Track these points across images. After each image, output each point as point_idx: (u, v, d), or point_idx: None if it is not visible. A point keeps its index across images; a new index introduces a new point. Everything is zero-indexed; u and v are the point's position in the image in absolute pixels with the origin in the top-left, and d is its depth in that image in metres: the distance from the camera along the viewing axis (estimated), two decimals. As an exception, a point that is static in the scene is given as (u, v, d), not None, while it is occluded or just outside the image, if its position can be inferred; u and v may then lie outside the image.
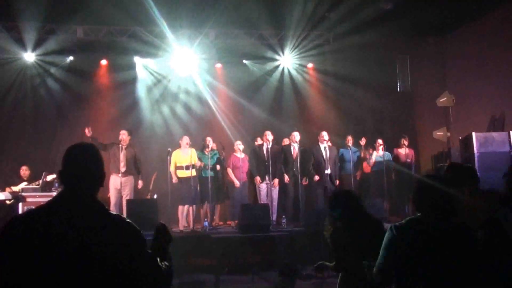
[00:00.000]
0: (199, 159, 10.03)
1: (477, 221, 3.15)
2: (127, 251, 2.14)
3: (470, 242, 2.84)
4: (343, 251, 3.90)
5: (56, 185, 9.28)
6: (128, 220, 2.24)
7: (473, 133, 8.72)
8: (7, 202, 9.14)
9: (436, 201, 2.88)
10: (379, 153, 10.54)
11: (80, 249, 2.05)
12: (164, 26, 11.01)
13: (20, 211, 8.80)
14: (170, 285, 2.38)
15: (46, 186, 9.32)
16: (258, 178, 10.06)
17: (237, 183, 10.13)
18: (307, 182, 10.24)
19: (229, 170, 10.26)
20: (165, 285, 2.33)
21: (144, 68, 12.35)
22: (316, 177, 10.12)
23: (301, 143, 10.21)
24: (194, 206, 9.94)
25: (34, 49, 11.29)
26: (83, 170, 2.24)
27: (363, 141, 10.89)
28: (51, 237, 2.05)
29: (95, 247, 2.07)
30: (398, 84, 12.96)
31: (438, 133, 10.81)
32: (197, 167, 9.93)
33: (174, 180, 9.79)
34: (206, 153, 9.95)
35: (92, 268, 2.05)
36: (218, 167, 10.24)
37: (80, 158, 2.27)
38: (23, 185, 9.40)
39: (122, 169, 9.49)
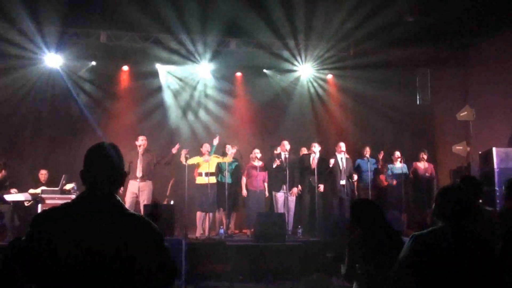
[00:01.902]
0: (219, 165, 10.10)
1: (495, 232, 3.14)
2: (146, 250, 2.16)
3: (491, 253, 2.82)
4: (357, 260, 3.89)
5: (75, 188, 9.38)
6: (147, 219, 2.27)
7: (494, 148, 8.63)
8: (26, 203, 9.26)
9: (458, 208, 2.87)
10: (396, 165, 10.46)
11: (100, 247, 2.08)
12: (185, 33, 11.15)
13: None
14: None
15: (65, 191, 9.42)
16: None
17: (244, 192, 10.26)
18: (323, 190, 10.21)
19: (243, 179, 10.28)
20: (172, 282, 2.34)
21: (165, 75, 12.44)
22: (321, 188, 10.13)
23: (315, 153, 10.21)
24: (211, 213, 9.98)
25: (56, 53, 11.42)
26: (104, 169, 2.27)
27: (381, 155, 10.82)
28: (72, 235, 2.09)
29: (115, 245, 2.10)
30: (418, 97, 12.87)
31: (457, 147, 10.71)
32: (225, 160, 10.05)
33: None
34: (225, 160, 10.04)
35: (111, 265, 2.08)
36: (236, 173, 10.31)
37: (102, 157, 2.30)
38: (41, 188, 9.50)
39: (139, 174, 9.56)
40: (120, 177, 2.34)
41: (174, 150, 9.81)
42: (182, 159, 9.79)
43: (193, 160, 9.98)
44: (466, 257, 2.74)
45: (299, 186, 10.19)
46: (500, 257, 2.94)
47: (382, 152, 10.88)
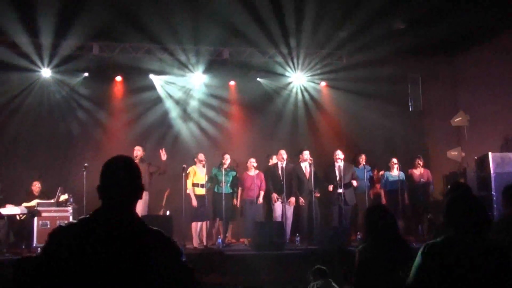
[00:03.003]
0: (215, 175, 10.08)
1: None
2: (166, 266, 2.14)
3: (506, 259, 2.82)
4: (367, 269, 3.89)
5: (71, 200, 9.31)
6: (167, 235, 2.24)
7: (489, 153, 8.72)
8: (19, 216, 9.15)
9: (470, 215, 2.85)
10: (393, 173, 10.49)
11: (119, 263, 2.05)
12: (178, 43, 11.17)
13: (36, 226, 8.83)
14: None
15: (61, 203, 9.34)
16: (275, 195, 10.05)
17: (236, 202, 10.29)
18: (319, 195, 10.22)
19: (239, 189, 10.30)
20: None
21: (159, 85, 12.40)
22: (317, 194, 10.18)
23: (314, 161, 10.21)
24: (207, 222, 9.93)
25: (49, 65, 11.36)
26: (124, 183, 2.23)
27: (375, 171, 10.86)
28: (92, 252, 2.05)
29: (136, 262, 2.07)
30: (410, 103, 12.98)
31: (452, 153, 10.80)
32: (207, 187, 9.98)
33: (194, 203, 9.81)
34: (222, 170, 10.01)
35: (130, 282, 2.05)
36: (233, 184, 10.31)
37: (120, 171, 2.25)
38: (35, 201, 9.40)
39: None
40: (138, 191, 2.29)
41: (163, 157, 9.76)
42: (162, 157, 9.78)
43: (190, 170, 9.94)
44: (482, 265, 2.72)
45: (301, 199, 10.13)
46: None
47: (375, 169, 10.95)
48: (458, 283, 2.71)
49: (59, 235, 2.15)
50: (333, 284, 5.15)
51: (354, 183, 10.23)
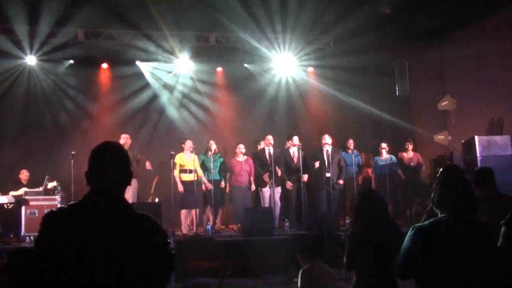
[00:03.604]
0: (203, 162, 10.06)
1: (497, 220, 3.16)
2: (154, 250, 2.16)
3: (494, 240, 2.85)
4: (358, 253, 3.92)
5: (59, 188, 9.26)
6: (154, 219, 2.25)
7: (476, 137, 8.79)
8: (7, 206, 9.08)
9: (459, 197, 2.85)
10: (382, 157, 10.54)
11: (111, 248, 2.06)
12: (164, 29, 11.07)
13: (23, 215, 8.78)
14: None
15: (49, 191, 9.28)
16: (267, 176, 10.09)
17: (227, 189, 10.29)
18: (306, 179, 10.22)
19: (227, 176, 10.28)
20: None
21: (145, 71, 12.32)
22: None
23: (302, 146, 10.23)
24: (197, 209, 9.93)
25: (35, 52, 11.23)
26: (113, 169, 2.23)
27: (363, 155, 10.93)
28: (83, 237, 2.06)
29: (126, 246, 2.08)
30: (397, 88, 13.01)
31: (439, 137, 10.86)
32: (198, 176, 9.95)
33: (180, 188, 9.79)
34: (209, 157, 9.99)
35: (121, 266, 2.06)
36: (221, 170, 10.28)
37: (109, 157, 2.25)
38: (23, 189, 9.33)
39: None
40: (127, 177, 2.29)
41: (148, 167, 9.83)
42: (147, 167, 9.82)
43: (178, 159, 9.90)
44: (470, 247, 2.74)
45: (289, 183, 10.15)
46: (505, 242, 2.97)
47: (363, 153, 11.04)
48: (445, 265, 2.73)
49: (51, 221, 2.15)
50: (323, 265, 5.15)
51: (341, 182, 10.27)
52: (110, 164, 2.24)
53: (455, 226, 2.80)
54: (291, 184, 10.13)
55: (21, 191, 9.24)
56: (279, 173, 10.12)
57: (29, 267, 2.12)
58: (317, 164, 10.12)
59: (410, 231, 2.91)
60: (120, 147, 2.33)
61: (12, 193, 9.22)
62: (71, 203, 2.25)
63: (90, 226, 2.09)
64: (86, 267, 2.03)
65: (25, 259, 2.17)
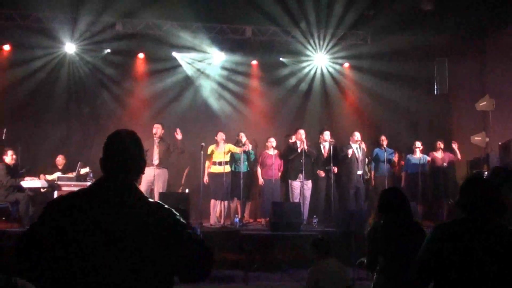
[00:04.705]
0: (233, 154, 10.07)
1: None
2: (169, 240, 2.10)
3: None
4: (377, 250, 3.85)
5: (91, 175, 9.42)
6: (167, 206, 2.21)
7: (514, 139, 8.50)
8: (42, 190, 9.28)
9: (483, 198, 2.79)
10: (416, 156, 10.34)
11: (118, 234, 2.03)
12: (200, 21, 11.14)
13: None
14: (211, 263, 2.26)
15: (81, 177, 9.46)
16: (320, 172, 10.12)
17: (261, 180, 10.17)
18: (337, 172, 10.14)
19: (258, 168, 10.25)
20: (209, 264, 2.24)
21: (181, 62, 12.40)
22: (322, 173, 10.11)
23: (334, 141, 10.13)
24: (226, 202, 9.96)
25: (74, 41, 11.45)
26: (125, 156, 2.23)
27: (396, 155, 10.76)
28: (89, 221, 2.05)
29: (135, 232, 2.05)
30: (436, 86, 12.70)
31: (476, 138, 10.54)
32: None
33: (206, 180, 9.86)
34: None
35: (130, 253, 2.03)
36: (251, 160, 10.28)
37: (121, 144, 2.25)
38: (57, 174, 9.52)
39: (155, 162, 9.56)
40: (139, 165, 2.28)
41: (178, 136, 9.75)
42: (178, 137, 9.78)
43: (209, 149, 9.96)
44: (489, 249, 2.67)
45: (322, 172, 10.14)
46: None
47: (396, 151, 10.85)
48: (464, 265, 2.68)
49: (56, 205, 2.16)
50: (336, 263, 5.00)
51: (322, 173, 10.13)
52: (120, 151, 2.24)
53: (476, 227, 2.73)
54: (323, 172, 10.07)
55: (55, 175, 9.44)
56: (322, 174, 10.11)
57: (17, 250, 2.12)
58: (350, 152, 10.00)
59: (431, 230, 2.87)
60: (132, 135, 2.32)
61: (47, 176, 9.42)
62: (80, 188, 2.26)
63: (94, 211, 2.08)
64: (89, 253, 2.01)
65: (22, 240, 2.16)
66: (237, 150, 10.00)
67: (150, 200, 2.23)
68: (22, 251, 2.11)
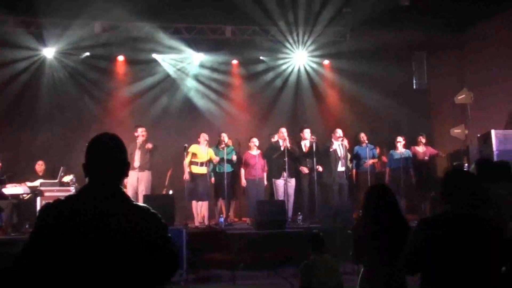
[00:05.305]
0: (215, 155, 10.07)
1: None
2: (152, 241, 2.14)
3: (500, 234, 2.80)
4: (363, 244, 3.89)
5: (74, 180, 9.34)
6: (152, 210, 2.24)
7: (492, 131, 8.62)
8: (24, 196, 9.18)
9: (466, 190, 2.85)
10: (399, 151, 10.44)
11: (104, 237, 2.06)
12: (180, 22, 11.11)
13: (39, 206, 8.87)
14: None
15: (64, 183, 9.37)
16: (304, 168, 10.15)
17: (243, 182, 10.20)
18: (322, 170, 10.19)
19: (242, 169, 10.26)
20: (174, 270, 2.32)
21: (161, 64, 12.38)
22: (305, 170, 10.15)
23: (315, 139, 10.18)
24: (207, 202, 9.95)
25: (52, 45, 11.37)
26: (107, 161, 2.24)
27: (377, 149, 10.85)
28: (79, 227, 2.06)
29: (122, 237, 2.08)
30: (414, 81, 12.84)
31: (455, 131, 10.70)
32: (214, 163, 9.98)
33: (187, 177, 9.80)
34: (221, 149, 9.99)
35: (115, 255, 2.06)
36: (234, 157, 10.24)
37: (104, 148, 2.26)
38: (39, 181, 9.43)
39: (137, 164, 9.48)
40: (123, 168, 2.30)
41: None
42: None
43: (192, 149, 9.92)
44: (473, 241, 2.72)
45: (305, 169, 10.18)
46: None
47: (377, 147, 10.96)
48: (449, 257, 2.73)
49: (47, 212, 2.17)
50: (329, 259, 5.03)
51: (305, 170, 10.21)
52: (104, 156, 2.25)
53: (459, 219, 2.78)
54: (306, 169, 10.13)
55: (37, 182, 9.35)
56: (305, 171, 10.15)
57: (21, 257, 2.13)
58: (334, 145, 10.09)
59: (416, 224, 2.92)
60: (115, 139, 2.33)
61: (28, 183, 9.33)
62: (68, 194, 2.27)
63: (84, 218, 2.09)
64: (80, 259, 2.04)
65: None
66: (216, 158, 9.99)
67: (136, 203, 2.25)
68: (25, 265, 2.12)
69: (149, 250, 2.13)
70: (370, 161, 10.33)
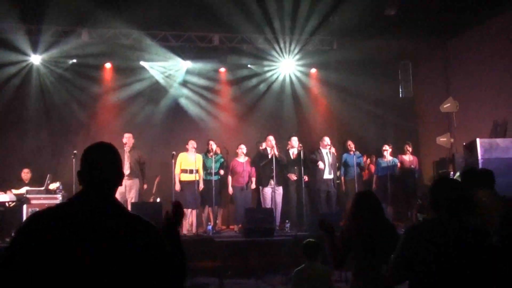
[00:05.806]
0: (204, 163, 10.06)
1: (494, 224, 3.16)
2: (146, 249, 2.12)
3: (485, 244, 2.84)
4: (348, 250, 3.91)
5: (61, 187, 9.28)
6: (146, 219, 2.23)
7: (478, 139, 8.72)
8: (9, 204, 9.09)
9: (452, 199, 2.87)
10: (386, 159, 10.54)
11: (98, 247, 2.04)
12: (168, 30, 11.12)
13: (25, 213, 8.80)
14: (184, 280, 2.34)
15: (51, 190, 9.30)
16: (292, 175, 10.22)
17: (230, 190, 10.21)
18: (308, 180, 10.25)
19: (229, 176, 10.27)
20: (179, 282, 2.30)
21: (149, 71, 12.37)
22: (293, 176, 10.22)
23: (302, 147, 10.22)
24: (196, 210, 9.94)
25: (40, 52, 11.32)
26: (103, 169, 2.22)
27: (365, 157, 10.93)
28: (69, 235, 2.04)
29: (114, 246, 2.06)
30: (401, 90, 12.96)
31: (441, 139, 10.81)
32: (199, 177, 10.00)
33: (178, 187, 9.81)
34: (210, 157, 10.00)
35: (109, 266, 2.03)
36: (222, 171, 10.26)
37: (99, 157, 2.25)
38: (25, 188, 9.36)
39: (126, 172, 9.45)
40: (119, 177, 2.30)
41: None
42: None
43: (180, 158, 9.92)
44: (460, 248, 2.74)
45: (293, 176, 10.26)
46: (498, 249, 2.95)
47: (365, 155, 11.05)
48: (436, 264, 2.74)
49: (35, 221, 2.13)
50: (320, 266, 5.05)
51: (293, 176, 10.28)
52: (99, 165, 2.23)
53: (446, 226, 2.81)
54: (294, 175, 10.18)
55: (23, 189, 9.27)
56: (294, 177, 10.20)
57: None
58: (321, 165, 10.13)
59: (405, 230, 2.95)
60: (111, 148, 2.32)
61: (14, 191, 9.25)
62: (60, 202, 2.25)
63: (75, 226, 2.07)
64: (71, 266, 2.01)
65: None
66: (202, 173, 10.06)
67: (130, 212, 2.25)
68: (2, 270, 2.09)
69: (150, 260, 2.11)
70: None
